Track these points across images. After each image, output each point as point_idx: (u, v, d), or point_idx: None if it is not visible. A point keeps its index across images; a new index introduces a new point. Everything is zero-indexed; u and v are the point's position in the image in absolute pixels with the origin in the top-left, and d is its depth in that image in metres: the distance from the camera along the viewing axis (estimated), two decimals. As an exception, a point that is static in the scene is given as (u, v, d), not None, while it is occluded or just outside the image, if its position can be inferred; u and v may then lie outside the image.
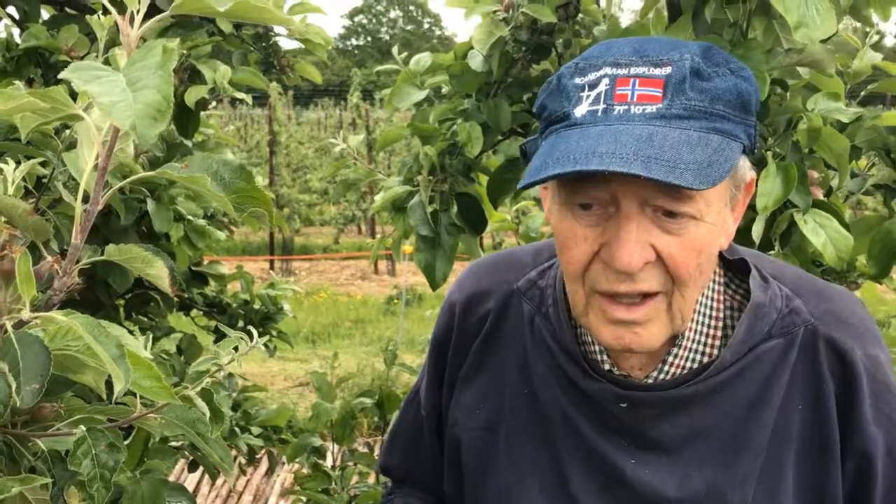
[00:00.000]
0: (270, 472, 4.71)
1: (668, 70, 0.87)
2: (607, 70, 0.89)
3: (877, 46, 1.93)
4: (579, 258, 0.93)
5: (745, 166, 0.95)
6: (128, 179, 0.67)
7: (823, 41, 1.45)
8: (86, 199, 0.72)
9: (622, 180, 0.87)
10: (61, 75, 0.58)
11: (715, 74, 0.89)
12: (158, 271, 0.65)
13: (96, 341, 0.59)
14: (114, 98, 0.55)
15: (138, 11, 0.68)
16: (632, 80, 0.88)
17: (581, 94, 0.90)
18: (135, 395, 0.97)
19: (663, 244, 0.90)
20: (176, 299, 2.81)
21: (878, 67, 1.94)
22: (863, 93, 2.06)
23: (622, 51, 0.90)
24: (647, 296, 0.92)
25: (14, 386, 0.59)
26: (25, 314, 0.62)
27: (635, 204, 0.89)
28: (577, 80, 0.91)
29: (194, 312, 2.91)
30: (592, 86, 0.89)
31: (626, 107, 0.87)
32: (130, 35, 0.67)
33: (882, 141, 1.61)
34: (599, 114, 0.88)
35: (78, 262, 0.66)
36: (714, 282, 1.04)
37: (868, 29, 1.84)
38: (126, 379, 0.59)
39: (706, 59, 0.89)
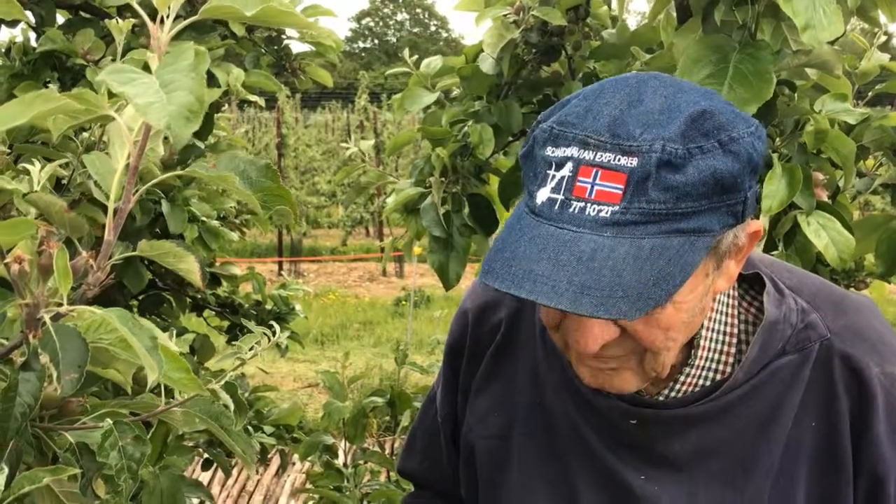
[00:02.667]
0: (282, 470, 4.73)
1: (634, 163, 0.82)
2: (574, 151, 0.85)
3: (886, 46, 1.95)
4: (549, 318, 0.94)
5: (731, 237, 0.89)
6: (160, 177, 0.69)
7: (831, 43, 1.47)
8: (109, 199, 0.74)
9: None
10: (98, 77, 0.60)
11: (698, 152, 0.82)
12: (190, 266, 0.67)
13: (131, 333, 0.61)
14: (149, 99, 0.58)
15: (168, 16, 0.70)
16: (594, 170, 0.83)
17: (548, 171, 0.87)
18: (158, 392, 1.00)
19: (627, 322, 0.88)
20: (188, 300, 2.84)
21: (886, 68, 1.96)
22: (870, 93, 2.07)
23: (597, 124, 0.85)
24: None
25: (55, 376, 0.62)
26: (63, 307, 0.64)
27: None
28: (548, 152, 0.87)
29: (207, 313, 2.94)
30: (559, 165, 0.86)
31: (582, 204, 0.83)
32: (161, 38, 0.70)
33: (890, 141, 1.63)
34: (556, 208, 0.85)
35: (110, 257, 0.69)
36: (728, 296, 1.01)
37: (875, 30, 1.86)
38: (159, 369, 0.62)
39: (691, 130, 0.83)
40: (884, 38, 1.96)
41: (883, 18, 1.67)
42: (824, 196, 1.63)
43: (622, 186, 0.82)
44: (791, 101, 1.61)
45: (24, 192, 0.81)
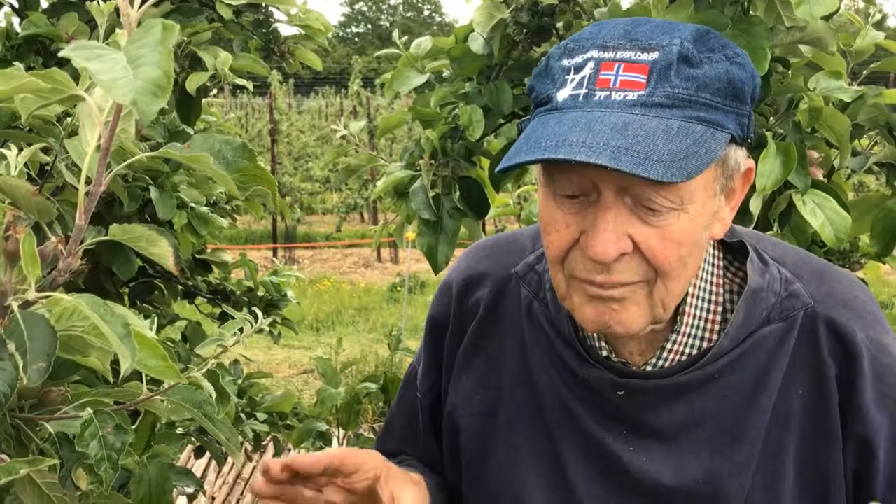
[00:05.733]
0: (278, 455, 4.73)
1: (655, 56, 0.85)
2: (593, 53, 0.88)
3: (880, 25, 1.92)
4: (559, 244, 0.92)
5: (737, 156, 0.92)
6: (130, 160, 0.67)
7: (825, 18, 1.44)
8: (89, 182, 0.72)
9: (599, 168, 0.85)
10: (62, 53, 0.58)
11: (707, 60, 0.86)
12: (162, 250, 0.65)
13: (102, 320, 0.59)
14: (114, 75, 0.55)
15: (138, -8, 0.68)
16: (616, 64, 0.86)
17: (566, 76, 0.89)
18: (141, 379, 0.98)
19: (642, 236, 0.88)
20: (180, 287, 2.81)
21: (881, 46, 1.93)
22: (865, 72, 2.05)
23: (612, 33, 0.89)
24: (626, 283, 0.91)
25: (21, 365, 0.59)
26: (31, 294, 0.62)
27: (614, 192, 0.87)
28: (564, 62, 0.90)
29: (199, 300, 2.92)
30: (578, 69, 0.88)
31: (607, 93, 0.86)
32: (131, 15, 0.67)
33: (885, 119, 1.61)
34: (580, 99, 0.87)
35: (82, 242, 0.67)
36: (713, 265, 1.02)
37: (870, 9, 1.84)
38: (132, 357, 0.60)
39: (699, 43, 0.87)
40: (879, 17, 1.93)
41: (878, -5, 1.65)
42: (819, 175, 1.61)
43: (645, 76, 0.85)
44: (785, 78, 1.59)
45: (-8, 176, 0.79)
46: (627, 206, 0.88)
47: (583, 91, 0.87)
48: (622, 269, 0.90)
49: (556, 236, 0.92)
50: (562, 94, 0.88)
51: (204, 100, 2.39)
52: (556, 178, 0.91)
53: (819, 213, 1.55)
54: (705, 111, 0.86)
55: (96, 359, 0.83)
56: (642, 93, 0.85)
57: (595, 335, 1.03)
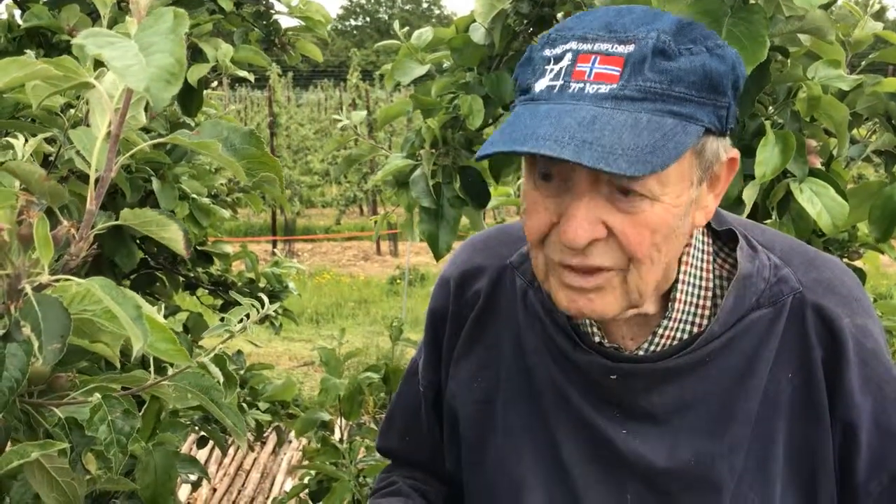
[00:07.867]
0: (279, 446, 4.75)
1: (631, 48, 0.87)
2: (573, 45, 0.89)
3: (880, 17, 1.92)
4: (538, 227, 0.94)
5: (715, 146, 0.93)
6: (140, 146, 0.68)
7: (824, 7, 1.45)
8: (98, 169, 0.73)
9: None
10: (75, 41, 0.59)
11: (687, 52, 0.87)
12: (173, 234, 0.66)
13: (114, 302, 0.60)
14: (127, 62, 0.56)
15: (147, -20, 0.69)
16: (593, 56, 0.88)
17: (546, 66, 0.91)
18: (147, 367, 0.99)
19: (616, 221, 0.90)
20: (181, 279, 2.83)
21: (880, 37, 1.94)
22: (863, 63, 2.05)
23: (593, 24, 0.90)
24: (601, 268, 0.93)
25: (37, 346, 0.61)
26: (44, 277, 0.63)
27: (586, 180, 0.89)
28: (546, 52, 0.91)
29: (200, 291, 2.93)
30: (557, 59, 0.90)
31: (581, 85, 0.87)
32: (140, 3, 0.68)
33: (883, 107, 1.62)
34: (555, 91, 0.89)
35: (93, 227, 0.68)
36: (703, 251, 1.04)
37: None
38: (144, 338, 0.61)
39: (680, 34, 0.88)
40: (877, 7, 1.94)
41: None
42: (818, 163, 1.62)
43: (619, 69, 0.87)
44: (784, 67, 1.59)
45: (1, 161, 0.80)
46: (603, 194, 0.90)
47: (559, 83, 0.89)
48: (597, 253, 0.92)
49: (535, 219, 0.95)
50: (539, 85, 0.90)
51: (204, 92, 2.40)
52: (535, 163, 0.93)
53: (816, 200, 1.56)
54: (678, 105, 0.87)
55: (106, 344, 0.85)
56: (614, 86, 0.86)
57: (588, 321, 1.05)
